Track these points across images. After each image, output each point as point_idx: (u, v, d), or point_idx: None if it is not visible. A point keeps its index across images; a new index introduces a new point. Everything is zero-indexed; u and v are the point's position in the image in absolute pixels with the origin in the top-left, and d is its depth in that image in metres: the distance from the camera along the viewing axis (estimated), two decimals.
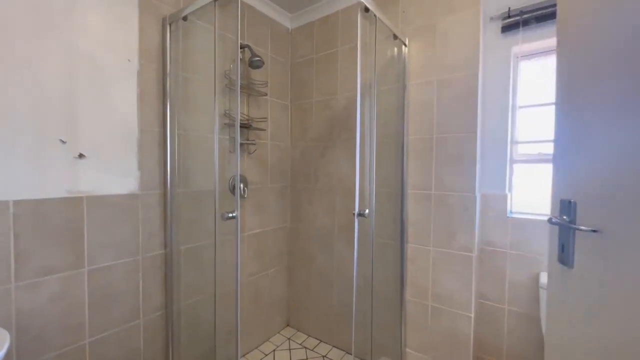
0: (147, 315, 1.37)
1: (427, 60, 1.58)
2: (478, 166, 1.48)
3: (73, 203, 1.14)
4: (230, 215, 1.16)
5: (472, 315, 1.48)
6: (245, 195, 1.74)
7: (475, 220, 1.47)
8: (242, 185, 1.73)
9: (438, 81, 1.55)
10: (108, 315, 1.24)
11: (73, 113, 1.13)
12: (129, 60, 1.29)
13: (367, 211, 1.28)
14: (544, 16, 1.40)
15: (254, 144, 1.83)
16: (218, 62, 1.37)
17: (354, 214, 1.28)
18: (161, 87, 1.40)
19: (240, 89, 1.74)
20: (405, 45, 1.63)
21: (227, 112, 1.66)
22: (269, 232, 2.01)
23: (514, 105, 1.57)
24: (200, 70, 1.52)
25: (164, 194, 1.42)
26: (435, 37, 1.56)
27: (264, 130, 1.88)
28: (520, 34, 1.49)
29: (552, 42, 1.47)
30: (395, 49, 1.64)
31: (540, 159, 1.61)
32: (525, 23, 1.46)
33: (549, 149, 1.58)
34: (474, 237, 1.47)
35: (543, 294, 1.40)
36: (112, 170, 1.25)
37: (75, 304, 1.16)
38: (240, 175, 1.79)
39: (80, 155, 1.16)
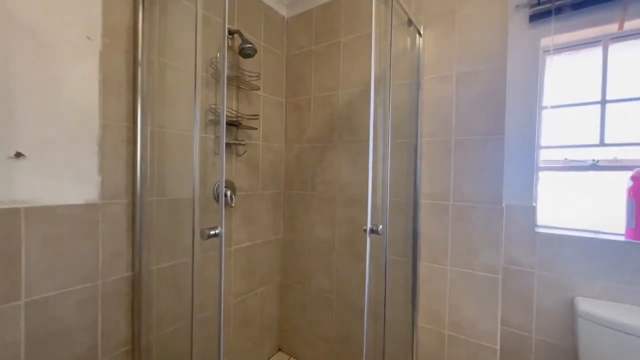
0: (107, 354, 1.10)
1: (445, 52, 1.38)
2: (505, 174, 1.27)
3: (6, 216, 0.88)
4: (213, 232, 0.92)
5: (498, 347, 1.27)
6: (233, 204, 1.49)
7: (502, 237, 1.26)
8: (229, 192, 1.48)
9: (457, 75, 1.35)
10: None
11: (8, 100, 0.88)
12: (88, 37, 1.04)
13: (380, 227, 1.06)
14: (584, 1, 1.22)
15: (244, 145, 1.59)
16: (202, 48, 1.13)
17: (365, 229, 1.06)
18: (131, 74, 1.16)
19: (229, 81, 1.51)
20: (419, 34, 1.43)
21: (213, 107, 1.42)
22: (259, 246, 1.76)
23: (540, 106, 1.38)
24: (182, 56, 1.28)
25: (133, 204, 1.16)
26: (455, 24, 1.36)
27: (256, 129, 1.64)
28: (552, 23, 1.30)
29: (591, 32, 1.29)
30: (409, 38, 1.43)
31: (567, 167, 1.42)
32: (558, 10, 1.28)
33: (577, 154, 1.40)
34: (500, 256, 1.26)
35: (582, 324, 1.20)
36: (63, 175, 0.99)
37: (6, 349, 0.89)
38: (227, 181, 1.54)
39: (18, 155, 0.90)
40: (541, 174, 1.43)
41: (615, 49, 1.31)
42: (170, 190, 1.27)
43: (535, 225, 1.37)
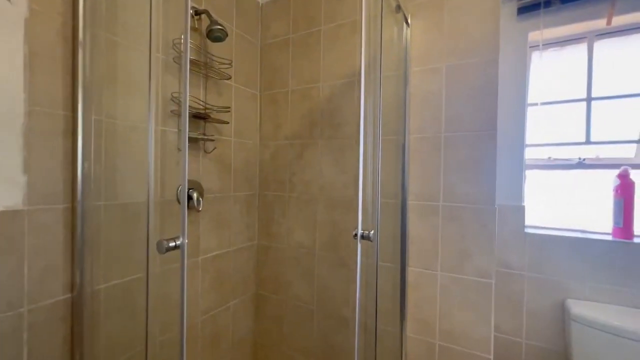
0: None
1: (434, 43, 1.29)
2: (497, 172, 1.21)
3: None
4: (173, 244, 0.74)
5: (492, 357, 1.20)
6: (200, 208, 1.30)
7: (495, 239, 1.19)
8: (195, 195, 1.29)
9: (447, 68, 1.27)
10: None
11: None
12: (8, 0, 0.82)
13: (372, 232, 0.93)
14: None
15: (213, 140, 1.40)
16: (163, 27, 0.95)
17: (355, 235, 0.93)
18: (70, 50, 0.94)
19: (196, 67, 1.32)
20: (407, 23, 1.33)
21: (176, 95, 1.22)
22: (231, 254, 1.58)
23: (527, 102, 1.34)
24: (138, 34, 1.08)
25: (72, 209, 0.95)
26: (444, 14, 1.28)
27: (227, 123, 1.46)
28: (541, 17, 1.26)
29: (578, 27, 1.26)
30: (396, 28, 1.33)
31: (553, 165, 1.39)
32: (547, 4, 1.24)
33: (564, 152, 1.37)
34: (493, 260, 1.19)
35: (576, 328, 1.15)
36: None
37: None
38: (194, 182, 1.35)
39: None
40: (528, 172, 1.39)
41: (600, 45, 1.29)
42: (123, 192, 1.06)
43: (524, 225, 1.33)
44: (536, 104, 1.35)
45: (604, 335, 1.09)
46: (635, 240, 1.19)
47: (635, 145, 1.29)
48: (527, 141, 1.39)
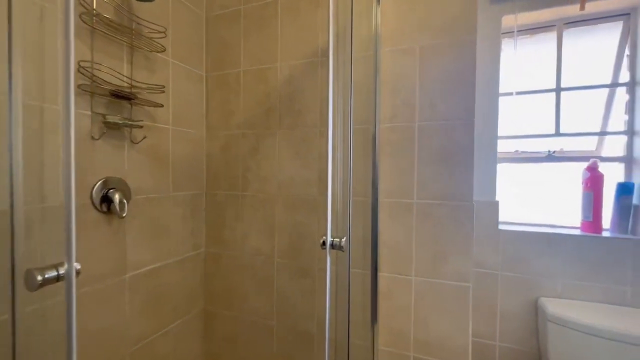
0: None
1: (405, 19, 1.15)
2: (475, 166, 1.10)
3: None
4: (54, 274, 0.49)
5: None
6: (124, 213, 1.02)
7: (472, 239, 1.09)
8: (117, 197, 1.00)
9: (421, 49, 1.13)
10: None
11: None
12: None
13: (343, 240, 0.76)
14: None
15: (141, 127, 1.12)
16: None
17: (322, 243, 0.74)
18: None
19: (116, 32, 1.02)
20: None
21: (87, 66, 0.93)
22: (172, 266, 1.30)
23: (498, 92, 1.27)
24: None
25: None
26: None
27: (161, 106, 1.18)
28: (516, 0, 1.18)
29: (550, 13, 1.20)
30: (364, 1, 1.17)
31: (524, 158, 1.34)
32: None
33: (532, 145, 1.32)
34: (471, 261, 1.09)
35: (552, 328, 1.09)
36: None
37: None
38: (116, 180, 1.06)
39: None
40: (500, 166, 1.32)
41: (568, 34, 1.25)
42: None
43: (498, 222, 1.25)
44: (511, 94, 1.28)
45: (579, 335, 1.05)
46: (604, 234, 1.17)
47: (597, 137, 1.28)
48: (502, 133, 1.32)
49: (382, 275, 1.20)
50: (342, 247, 0.75)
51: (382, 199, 1.19)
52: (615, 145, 1.25)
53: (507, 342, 1.25)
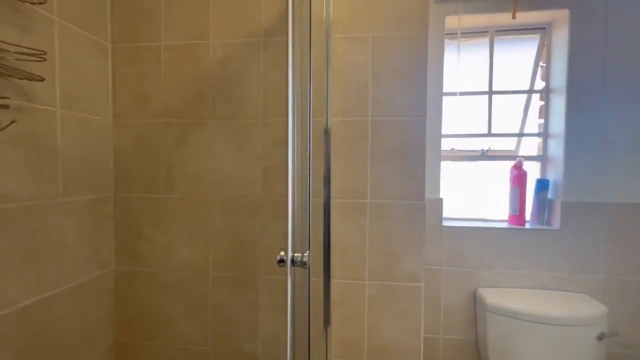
0: None
1: (358, 5, 1.07)
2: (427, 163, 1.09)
3: None
4: None
5: None
6: None
7: (425, 237, 1.08)
8: None
9: (374, 39, 1.06)
10: None
11: None
12: None
13: (306, 255, 0.62)
14: None
15: (6, 107, 0.78)
16: None
17: (280, 261, 0.60)
18: None
19: None
20: None
21: None
22: (63, 296, 0.98)
23: (442, 91, 1.29)
24: None
25: None
26: None
27: (40, 80, 0.85)
28: (459, 1, 1.21)
29: (487, 19, 1.27)
30: None
31: (460, 156, 1.41)
32: None
33: (469, 144, 1.40)
34: (423, 260, 1.08)
35: (490, 317, 1.16)
36: None
37: None
38: None
39: None
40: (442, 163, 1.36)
41: (499, 41, 1.34)
42: None
43: (442, 218, 1.28)
44: (455, 94, 1.31)
45: (513, 321, 1.13)
46: (527, 226, 1.29)
47: (516, 138, 1.41)
48: (443, 131, 1.35)
49: (335, 282, 1.11)
50: (305, 262, 0.61)
51: (335, 199, 1.09)
52: (533, 146, 1.40)
53: (449, 334, 1.30)
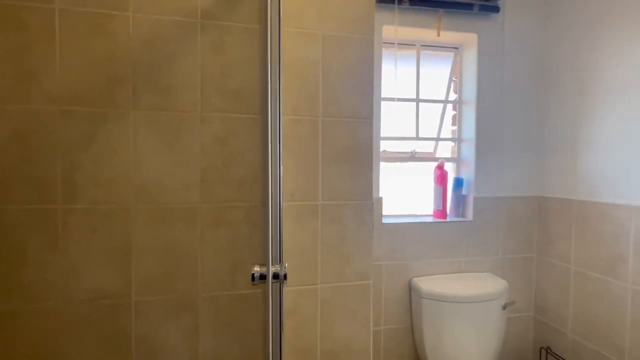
0: None
1: (309, 1, 1.03)
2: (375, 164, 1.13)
3: None
4: None
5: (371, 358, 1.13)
6: None
7: (373, 236, 1.11)
8: None
9: (324, 37, 1.04)
10: None
11: None
12: None
13: (285, 267, 0.56)
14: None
15: None
16: None
17: (253, 276, 0.53)
18: None
19: None
20: None
21: None
22: None
23: (380, 96, 1.37)
24: None
25: None
26: None
27: None
28: (396, 12, 1.29)
29: (416, 33, 1.39)
30: None
31: (394, 157, 1.53)
32: (400, 0, 1.28)
33: (401, 146, 1.53)
34: (371, 259, 1.11)
35: (426, 304, 1.28)
36: None
37: None
38: None
39: None
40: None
41: (424, 55, 1.50)
42: None
43: (382, 216, 1.36)
44: (393, 99, 1.40)
45: (443, 304, 1.27)
46: (448, 218, 1.47)
47: (433, 143, 1.61)
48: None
49: (287, 289, 1.04)
50: (286, 275, 0.55)
51: (286, 202, 1.03)
52: (448, 149, 1.61)
53: (389, 324, 1.38)
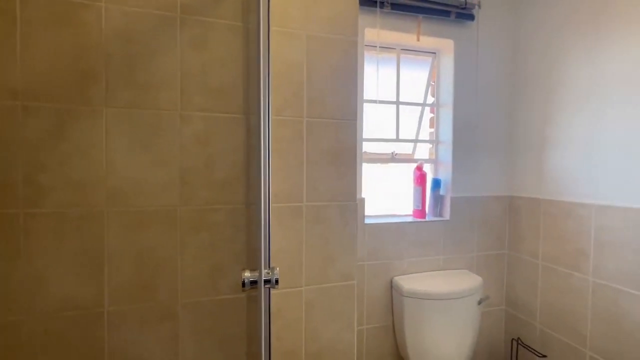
0: None
1: (294, 1, 1.01)
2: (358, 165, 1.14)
3: None
4: None
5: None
6: None
7: (357, 236, 1.12)
8: None
9: (308, 38, 1.03)
10: None
11: None
12: None
13: (276, 271, 0.54)
14: (400, 4, 1.30)
15: None
16: None
17: (244, 283, 0.52)
18: None
19: None
20: None
21: None
22: None
23: (363, 98, 1.38)
24: None
25: None
26: None
27: None
28: (378, 14, 1.31)
29: (396, 37, 1.42)
30: None
31: (375, 158, 1.55)
32: (382, 4, 1.30)
33: (381, 147, 1.55)
34: (355, 259, 1.12)
35: (407, 302, 1.31)
36: None
37: None
38: None
39: None
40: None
41: (404, 58, 1.53)
42: None
43: (364, 216, 1.37)
44: (375, 101, 1.41)
45: (423, 302, 1.31)
46: (427, 218, 1.52)
47: (412, 144, 1.65)
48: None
49: (273, 293, 1.02)
50: (277, 280, 0.53)
51: (273, 204, 1.01)
52: (426, 151, 1.66)
53: (372, 323, 1.40)
